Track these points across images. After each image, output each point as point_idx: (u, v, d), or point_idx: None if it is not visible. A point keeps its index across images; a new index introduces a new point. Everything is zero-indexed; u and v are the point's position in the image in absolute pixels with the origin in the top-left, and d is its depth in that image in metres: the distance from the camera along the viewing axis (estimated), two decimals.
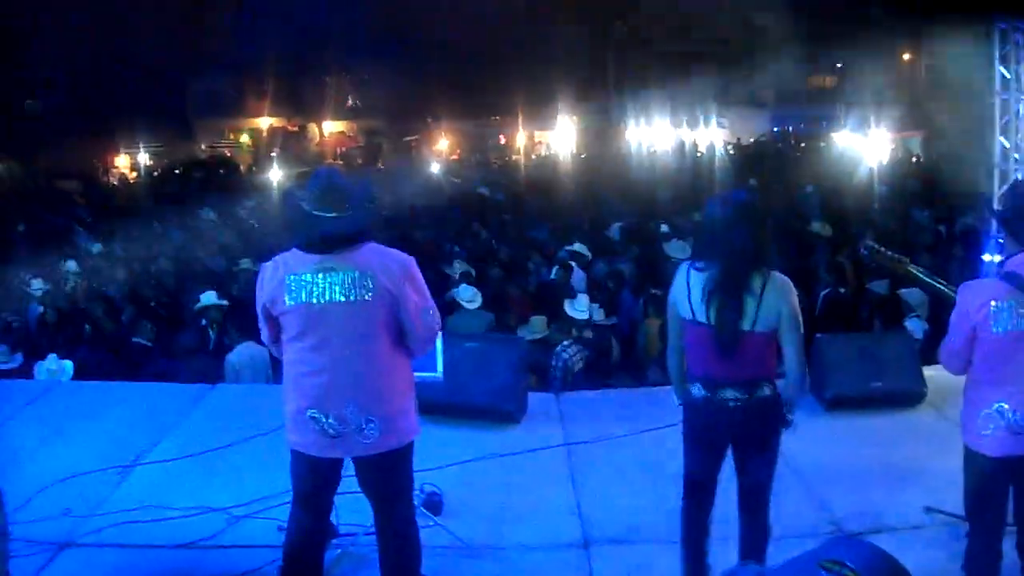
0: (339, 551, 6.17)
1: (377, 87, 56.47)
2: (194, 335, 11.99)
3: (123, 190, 38.59)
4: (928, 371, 8.68)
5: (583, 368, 10.31)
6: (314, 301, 4.97)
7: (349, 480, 5.30)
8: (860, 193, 23.78)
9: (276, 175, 33.59)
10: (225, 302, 12.05)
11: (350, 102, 59.87)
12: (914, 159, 36.40)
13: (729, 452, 5.34)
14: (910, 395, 8.75)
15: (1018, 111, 10.77)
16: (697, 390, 5.25)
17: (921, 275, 6.29)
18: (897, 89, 41.67)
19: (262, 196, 27.61)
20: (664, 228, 16.62)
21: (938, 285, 6.14)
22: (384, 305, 5.00)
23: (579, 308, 10.86)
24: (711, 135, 43.45)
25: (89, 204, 29.78)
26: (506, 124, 55.19)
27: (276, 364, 5.75)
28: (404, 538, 5.34)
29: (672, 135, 46.38)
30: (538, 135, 55.48)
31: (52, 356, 10.64)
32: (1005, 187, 10.54)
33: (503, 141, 56.29)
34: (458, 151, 53.19)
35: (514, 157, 47.11)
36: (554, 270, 14.06)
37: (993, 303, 5.04)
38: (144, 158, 49.41)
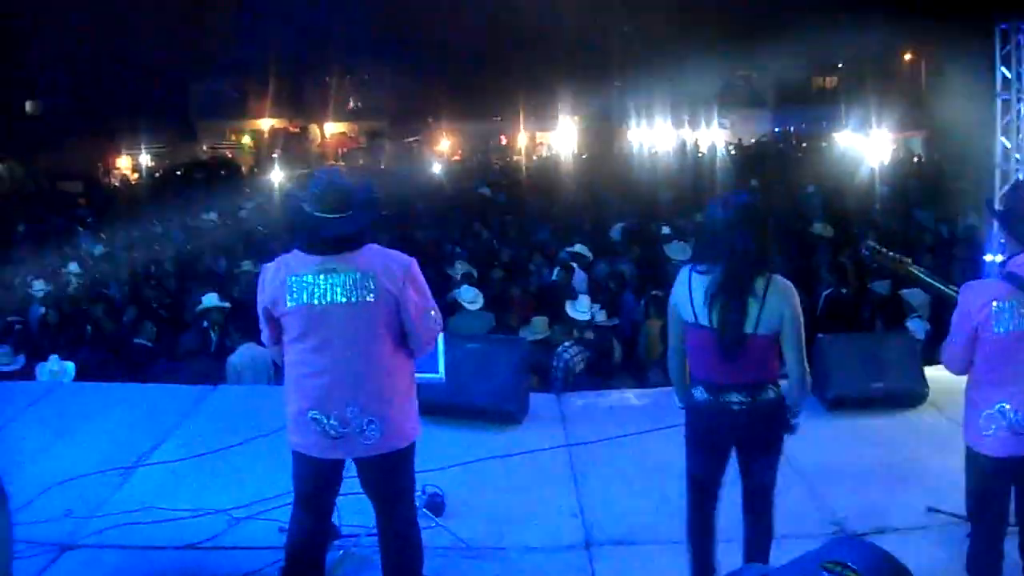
0: (341, 552, 6.17)
1: (378, 88, 56.59)
2: (196, 337, 12.00)
3: (125, 191, 38.63)
4: (930, 371, 8.68)
5: (584, 369, 10.31)
6: (315, 302, 4.97)
7: (351, 481, 5.29)
8: (862, 193, 23.80)
9: (277, 176, 33.62)
10: (227, 304, 12.05)
11: (351, 103, 59.92)
12: (916, 159, 36.42)
13: (733, 454, 5.34)
14: (912, 395, 8.74)
15: (1019, 111, 10.77)
16: (700, 393, 5.23)
17: (923, 275, 6.29)
18: (898, 89, 41.70)
19: (263, 197, 27.63)
20: (666, 230, 16.60)
21: (940, 285, 6.13)
22: (386, 306, 5.00)
23: (580, 309, 10.86)
24: (712, 136, 43.50)
25: (91, 205, 29.81)
26: (507, 124, 55.24)
27: (278, 365, 5.76)
28: (406, 539, 5.34)
29: (673, 136, 46.41)
30: (539, 136, 55.51)
31: (54, 357, 10.65)
32: (1006, 187, 10.53)
33: (504, 142, 56.32)
34: (459, 152, 53.22)
35: (515, 158, 47.16)
36: (555, 271, 14.07)
37: (995, 303, 5.04)
38: (146, 159, 49.45)
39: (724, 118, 48.21)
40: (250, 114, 57.99)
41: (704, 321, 5.09)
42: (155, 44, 41.43)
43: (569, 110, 51.15)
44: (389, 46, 46.67)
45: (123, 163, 49.98)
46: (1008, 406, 5.02)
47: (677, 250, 14.80)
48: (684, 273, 5.25)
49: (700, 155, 40.33)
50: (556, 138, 52.59)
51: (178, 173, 42.87)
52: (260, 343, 5.54)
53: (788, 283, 5.15)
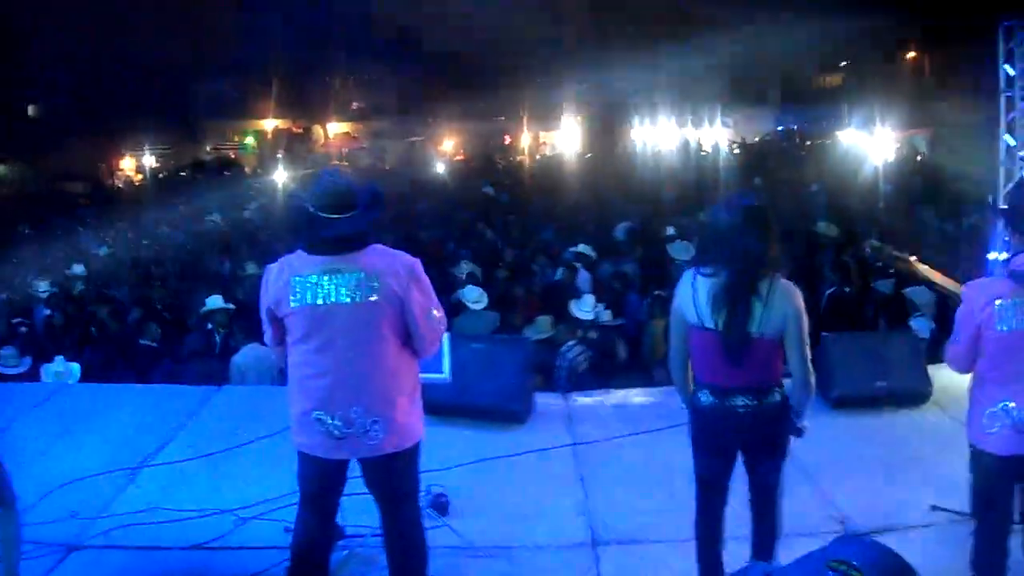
0: (346, 552, 6.18)
1: (381, 88, 56.58)
2: (200, 338, 12.01)
3: (128, 192, 38.65)
4: (933, 370, 8.68)
5: (588, 368, 10.32)
6: (319, 303, 4.97)
7: (356, 481, 5.30)
8: (865, 192, 23.77)
9: (281, 177, 33.60)
10: (231, 306, 12.05)
11: (354, 103, 59.90)
12: (919, 157, 36.35)
13: (739, 455, 5.35)
14: (916, 394, 8.75)
15: (1023, 109, 10.77)
16: (705, 396, 5.23)
17: (926, 274, 6.30)
18: (902, 87, 41.64)
19: (267, 198, 27.63)
20: (670, 230, 16.58)
21: (943, 284, 6.15)
22: (390, 307, 5.00)
23: (584, 308, 10.87)
24: (716, 134, 43.41)
25: (94, 206, 29.82)
26: (511, 124, 55.18)
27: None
28: (411, 539, 5.34)
29: (677, 135, 46.34)
30: (543, 135, 55.45)
31: (59, 358, 10.67)
32: (1010, 185, 10.53)
33: (508, 141, 56.25)
34: (463, 151, 53.16)
35: (519, 157, 47.10)
36: (559, 271, 14.08)
37: (998, 301, 5.04)
38: (149, 160, 49.43)
39: (727, 117, 48.14)
40: (253, 114, 57.92)
41: (709, 324, 5.09)
42: (158, 45, 41.44)
43: (572, 109, 51.09)
44: (392, 46, 46.67)
45: (126, 164, 49.97)
46: (1012, 404, 5.02)
47: (680, 250, 14.79)
48: (688, 276, 5.24)
49: (703, 154, 40.28)
50: (559, 137, 52.54)
51: (181, 174, 42.86)
52: (264, 343, 5.54)
53: (792, 285, 5.15)
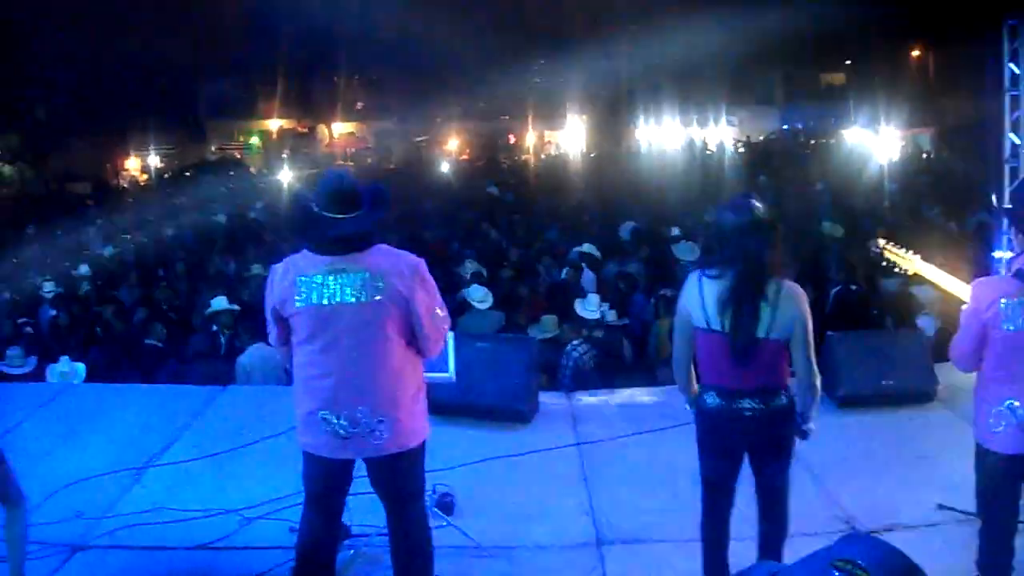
0: (352, 552, 6.18)
1: (386, 88, 56.59)
2: (205, 339, 12.01)
3: (133, 192, 38.69)
4: (939, 368, 8.67)
5: (593, 367, 10.31)
6: (325, 302, 4.97)
7: (362, 481, 5.30)
8: (870, 190, 23.75)
9: (286, 176, 33.63)
10: (236, 307, 12.05)
11: (359, 103, 59.93)
12: (924, 156, 36.35)
13: (745, 456, 5.35)
14: (921, 393, 8.74)
15: None
16: (712, 399, 5.22)
17: (932, 273, 6.28)
18: (907, 86, 41.62)
19: (272, 197, 27.66)
20: (675, 231, 16.54)
21: (949, 283, 6.12)
22: (395, 307, 5.00)
23: (590, 308, 10.86)
24: (721, 133, 43.44)
25: (99, 206, 29.86)
26: (516, 123, 55.22)
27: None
28: (416, 539, 5.34)
29: (682, 134, 46.37)
30: (548, 134, 55.48)
31: (64, 358, 10.69)
32: (1015, 184, 10.51)
33: (512, 141, 56.29)
34: (468, 151, 53.19)
35: (524, 157, 47.14)
36: (564, 271, 14.07)
37: (1003, 301, 5.03)
38: (155, 160, 49.51)
39: (732, 116, 48.17)
40: (258, 114, 58.06)
41: (716, 326, 5.08)
42: (163, 45, 41.44)
43: (577, 109, 51.13)
44: (397, 46, 46.61)
45: (132, 164, 50.05)
46: (1017, 403, 5.01)
47: (685, 250, 14.78)
48: (693, 278, 5.23)
49: (708, 153, 40.29)
50: (564, 137, 52.57)
51: (186, 174, 42.91)
52: (269, 343, 5.54)
53: (798, 287, 5.15)
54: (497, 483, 7.39)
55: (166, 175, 45.71)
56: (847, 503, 6.85)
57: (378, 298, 4.96)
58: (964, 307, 5.32)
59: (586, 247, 14.91)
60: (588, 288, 12.78)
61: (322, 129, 59.28)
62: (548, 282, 14.24)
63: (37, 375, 10.71)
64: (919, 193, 23.15)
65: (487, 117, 55.65)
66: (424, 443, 5.25)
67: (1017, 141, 10.61)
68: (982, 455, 5.26)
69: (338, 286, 4.96)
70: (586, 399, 9.36)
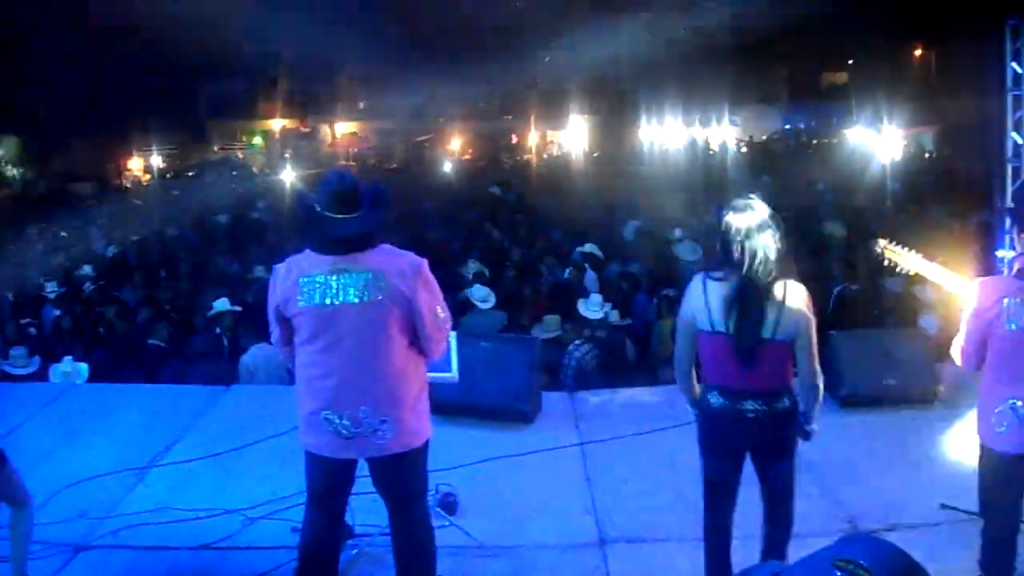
0: (355, 551, 6.19)
1: (389, 87, 56.56)
2: (207, 340, 12.01)
3: (136, 192, 38.68)
4: (942, 368, 8.67)
5: (596, 367, 10.31)
6: (327, 302, 4.98)
7: (365, 480, 5.30)
8: (873, 190, 23.74)
9: (288, 176, 33.61)
10: (238, 308, 12.04)
11: (361, 103, 59.90)
12: (926, 155, 36.31)
13: (748, 457, 5.35)
14: (924, 392, 8.73)
15: None
16: (715, 398, 5.22)
17: (934, 272, 6.28)
18: (909, 85, 41.60)
19: (275, 197, 27.65)
20: (678, 233, 16.52)
21: (951, 282, 6.12)
22: (397, 306, 5.00)
23: (592, 307, 10.86)
24: (723, 133, 43.42)
25: (102, 206, 29.84)
26: (518, 123, 55.20)
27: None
28: (419, 539, 5.34)
29: (684, 133, 46.35)
30: (550, 134, 55.44)
31: (67, 359, 10.68)
32: (1017, 183, 10.51)
33: (515, 140, 56.25)
34: (470, 151, 53.16)
35: (526, 157, 47.11)
36: (567, 270, 14.07)
37: (1006, 300, 5.03)
38: (157, 160, 49.50)
39: (734, 115, 48.14)
40: (261, 114, 58.04)
41: (721, 328, 5.08)
42: (165, 45, 41.42)
43: (580, 109, 51.10)
44: (399, 45, 46.59)
45: (134, 164, 50.05)
46: (1020, 403, 5.02)
47: (686, 251, 14.78)
48: (698, 281, 5.23)
49: (711, 152, 40.27)
50: (567, 137, 52.55)
51: (189, 174, 42.90)
52: (271, 343, 5.55)
53: (803, 288, 5.15)
54: (500, 483, 7.40)
55: (169, 175, 45.69)
56: (849, 502, 6.86)
57: (381, 298, 4.97)
58: (966, 307, 5.32)
59: (589, 247, 14.91)
60: (591, 288, 12.77)
61: (324, 129, 59.26)
62: (551, 282, 14.23)
63: (40, 375, 10.71)
64: (921, 192, 23.13)
65: (489, 117, 55.64)
66: (427, 443, 5.25)
67: (1019, 140, 10.61)
68: (985, 455, 5.27)
69: (341, 286, 4.97)
70: (589, 399, 9.36)
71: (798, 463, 5.39)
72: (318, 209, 5.07)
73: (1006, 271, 9.30)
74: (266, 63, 49.26)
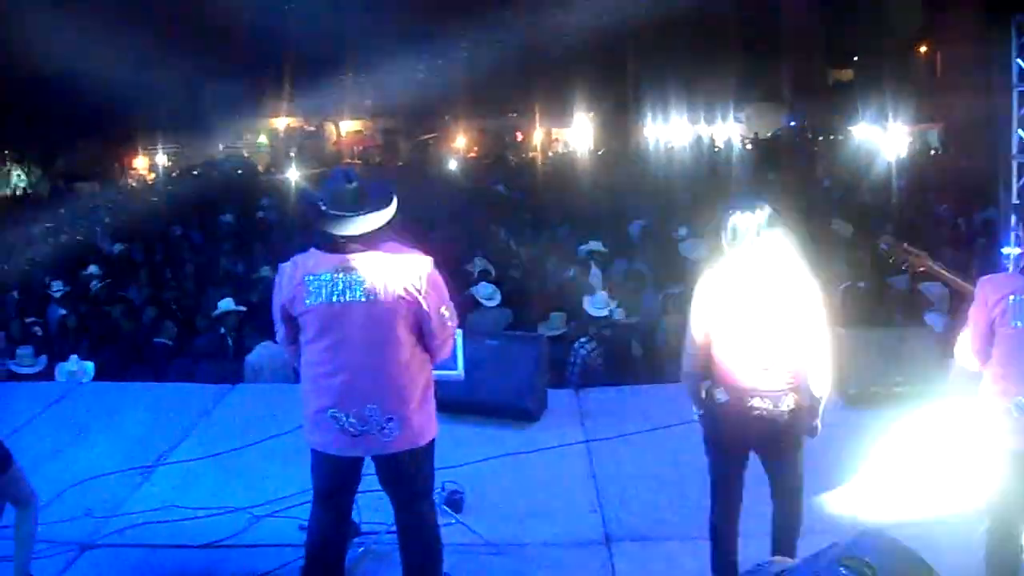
0: (361, 549, 6.19)
1: (394, 85, 56.56)
2: (212, 340, 12.00)
3: (141, 191, 38.71)
4: (948, 366, 8.65)
5: (601, 365, 10.31)
6: (334, 300, 4.97)
7: (371, 478, 5.30)
8: (878, 187, 23.73)
9: (294, 175, 33.64)
10: (243, 308, 12.03)
11: (367, 101, 59.89)
12: (932, 152, 36.29)
13: (756, 455, 5.35)
14: (931, 390, 8.72)
15: None
16: (722, 395, 5.22)
17: (940, 270, 6.27)
18: (914, 82, 41.55)
19: (280, 196, 27.66)
20: (684, 230, 16.49)
21: (957, 279, 6.12)
22: (403, 305, 5.00)
23: (598, 305, 10.85)
24: (729, 130, 43.41)
25: (107, 206, 29.85)
26: (523, 121, 55.19)
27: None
28: (425, 537, 5.34)
29: (690, 131, 46.35)
30: (555, 132, 55.44)
31: (73, 357, 10.68)
32: (1023, 180, 10.51)
33: (520, 138, 56.25)
34: (475, 149, 53.17)
35: (531, 154, 47.11)
36: (573, 268, 14.06)
37: (1011, 297, 5.02)
38: (162, 159, 49.51)
39: (740, 112, 48.14)
40: (266, 113, 58.01)
41: (730, 325, 5.09)
42: (170, 43, 41.45)
43: (585, 106, 51.10)
44: (405, 43, 46.58)
45: (139, 163, 50.07)
46: None
47: (689, 248, 14.77)
48: (705, 278, 5.24)
49: (716, 150, 40.26)
50: (572, 134, 52.55)
51: (194, 173, 42.90)
52: (276, 342, 5.55)
53: (812, 285, 5.15)
54: (506, 480, 7.40)
55: (174, 174, 45.68)
56: (855, 500, 6.85)
57: (386, 296, 4.96)
58: (972, 304, 5.31)
59: (594, 244, 14.90)
60: (596, 286, 12.76)
61: (329, 127, 59.24)
62: (556, 280, 14.23)
63: (46, 374, 10.72)
64: (927, 189, 23.12)
65: (495, 115, 55.62)
66: (433, 441, 5.25)
67: None
68: (991, 452, 5.26)
69: (347, 284, 4.96)
70: (594, 396, 9.35)
71: (804, 461, 5.39)
72: (323, 207, 5.06)
73: (1011, 268, 9.30)
74: (271, 61, 49.24)
